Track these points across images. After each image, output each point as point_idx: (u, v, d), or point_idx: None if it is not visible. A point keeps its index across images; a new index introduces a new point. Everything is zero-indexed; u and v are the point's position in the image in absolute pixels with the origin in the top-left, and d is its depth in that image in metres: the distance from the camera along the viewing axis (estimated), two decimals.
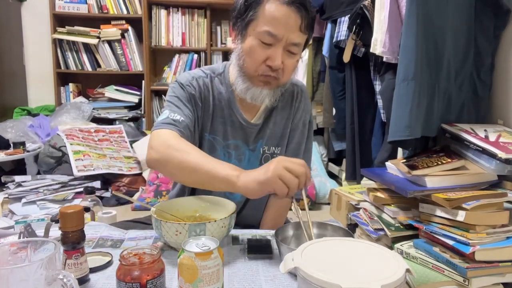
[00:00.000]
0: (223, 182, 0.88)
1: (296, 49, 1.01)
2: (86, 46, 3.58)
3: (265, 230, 1.06)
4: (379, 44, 1.79)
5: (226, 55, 3.71)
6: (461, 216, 0.88)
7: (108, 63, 3.61)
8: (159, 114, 1.28)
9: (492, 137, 1.12)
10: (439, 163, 1.07)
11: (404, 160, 1.14)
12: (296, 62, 1.04)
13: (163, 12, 3.63)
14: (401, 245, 1.01)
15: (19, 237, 0.96)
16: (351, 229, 1.21)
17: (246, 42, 1.02)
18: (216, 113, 1.12)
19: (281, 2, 0.97)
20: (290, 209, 1.08)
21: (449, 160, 1.09)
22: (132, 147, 3.14)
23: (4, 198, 2.37)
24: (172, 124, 1.00)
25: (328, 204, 2.53)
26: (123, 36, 3.59)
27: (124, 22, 3.58)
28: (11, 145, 2.77)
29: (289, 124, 1.17)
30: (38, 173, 2.84)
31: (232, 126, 1.12)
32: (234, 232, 1.01)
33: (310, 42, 2.74)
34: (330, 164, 3.15)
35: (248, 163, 1.14)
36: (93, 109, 3.48)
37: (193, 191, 1.17)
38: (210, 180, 0.91)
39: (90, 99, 3.70)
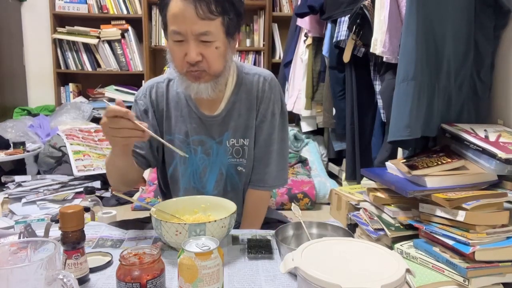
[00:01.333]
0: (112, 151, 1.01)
1: (208, 37, 0.98)
2: (86, 46, 3.58)
3: (265, 230, 1.06)
4: (379, 44, 1.79)
5: None
6: (461, 216, 0.88)
7: (108, 63, 3.61)
8: None
9: (492, 137, 1.12)
10: (439, 163, 1.07)
11: (404, 160, 1.14)
12: (216, 49, 1.01)
13: None
14: (401, 245, 1.01)
15: (19, 237, 0.96)
16: (351, 229, 1.22)
17: (168, 43, 1.04)
18: (173, 113, 1.14)
19: None
20: (290, 209, 1.08)
21: (449, 160, 1.09)
22: None
23: (4, 198, 2.37)
24: None
25: (328, 204, 2.53)
26: (123, 36, 3.59)
27: (124, 22, 3.58)
28: (11, 145, 2.77)
29: (253, 115, 1.15)
30: (38, 173, 2.84)
31: (193, 122, 1.13)
32: (234, 232, 1.01)
33: (310, 42, 2.77)
34: (330, 164, 3.15)
35: (216, 157, 1.15)
36: (93, 109, 3.47)
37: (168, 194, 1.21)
38: (112, 158, 1.03)
39: (90, 99, 3.70)
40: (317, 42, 2.78)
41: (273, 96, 1.16)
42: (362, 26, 1.99)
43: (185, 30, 0.97)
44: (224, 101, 1.13)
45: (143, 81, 3.61)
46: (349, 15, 2.08)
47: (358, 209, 1.27)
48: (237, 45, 1.13)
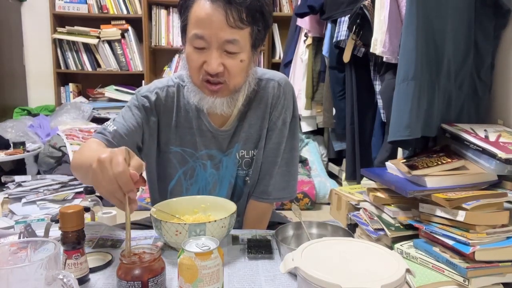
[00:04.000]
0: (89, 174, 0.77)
1: (233, 47, 0.92)
2: (86, 46, 3.58)
3: (265, 230, 1.06)
4: (379, 44, 1.79)
5: None
6: (461, 216, 0.88)
7: (108, 63, 3.61)
8: None
9: (492, 137, 1.12)
10: (439, 163, 1.07)
11: (404, 160, 1.14)
12: (240, 62, 0.94)
13: (163, 12, 3.63)
14: (401, 245, 1.01)
15: (19, 237, 0.96)
16: (351, 229, 1.21)
17: (185, 49, 0.97)
18: (183, 124, 1.07)
19: (205, 1, 0.90)
20: (290, 209, 1.07)
21: (449, 160, 1.09)
22: None
23: (4, 198, 2.37)
24: (101, 134, 0.99)
25: (328, 204, 2.53)
26: (123, 36, 3.59)
27: (124, 22, 3.58)
28: (11, 145, 2.77)
29: (265, 124, 1.08)
30: (38, 173, 2.84)
31: (202, 136, 1.07)
32: (234, 232, 1.01)
33: (310, 42, 2.76)
34: (330, 164, 3.15)
35: (226, 170, 1.10)
36: (93, 109, 3.47)
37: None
38: (86, 173, 0.83)
39: (90, 99, 3.70)
40: (317, 42, 2.78)
41: (286, 102, 1.09)
42: (362, 26, 1.99)
43: (209, 36, 0.90)
44: (235, 112, 1.06)
45: (143, 81, 3.61)
46: (349, 15, 2.08)
47: (358, 209, 1.27)
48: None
